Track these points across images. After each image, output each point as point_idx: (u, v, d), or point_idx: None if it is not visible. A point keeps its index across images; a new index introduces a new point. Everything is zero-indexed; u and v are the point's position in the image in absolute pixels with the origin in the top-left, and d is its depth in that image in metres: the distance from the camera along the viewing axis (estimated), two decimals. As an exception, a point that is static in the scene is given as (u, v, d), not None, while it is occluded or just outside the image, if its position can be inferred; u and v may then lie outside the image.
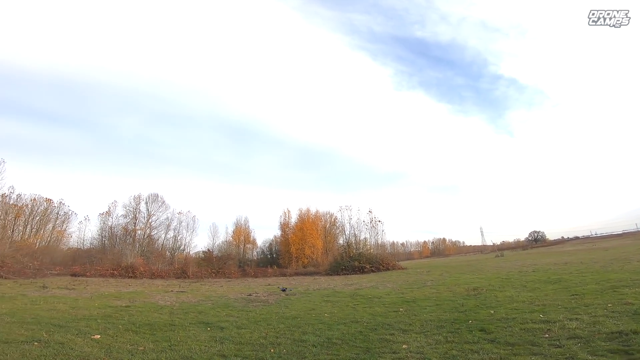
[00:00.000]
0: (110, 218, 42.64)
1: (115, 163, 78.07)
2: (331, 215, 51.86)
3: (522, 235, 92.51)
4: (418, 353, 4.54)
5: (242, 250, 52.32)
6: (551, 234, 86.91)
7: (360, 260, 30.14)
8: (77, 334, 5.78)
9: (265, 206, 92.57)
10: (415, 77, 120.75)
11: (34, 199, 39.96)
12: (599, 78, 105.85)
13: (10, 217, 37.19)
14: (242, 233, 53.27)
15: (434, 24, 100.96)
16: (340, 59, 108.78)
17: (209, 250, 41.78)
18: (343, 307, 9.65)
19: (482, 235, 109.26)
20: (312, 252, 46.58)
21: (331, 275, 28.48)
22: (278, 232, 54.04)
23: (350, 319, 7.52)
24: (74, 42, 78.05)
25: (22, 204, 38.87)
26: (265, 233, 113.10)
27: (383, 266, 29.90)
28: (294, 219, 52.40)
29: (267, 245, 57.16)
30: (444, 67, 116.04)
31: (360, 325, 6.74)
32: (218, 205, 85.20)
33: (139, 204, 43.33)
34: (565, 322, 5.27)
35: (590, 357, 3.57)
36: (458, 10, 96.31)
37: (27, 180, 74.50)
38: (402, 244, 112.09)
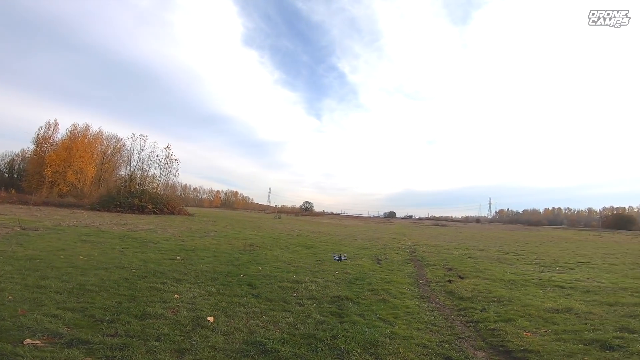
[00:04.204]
0: None
1: None
2: (118, 140, 43.20)
3: (298, 203, 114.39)
4: (190, 304, 4.57)
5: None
6: (317, 207, 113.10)
7: (141, 198, 26.96)
8: None
9: (26, 113, 65.68)
10: (270, 39, 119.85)
11: None
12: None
13: None
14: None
15: (317, 1, 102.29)
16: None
17: None
18: (107, 249, 8.42)
19: (270, 196, 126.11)
20: (77, 180, 37.27)
21: (99, 210, 24.11)
22: (30, 147, 39.96)
23: (114, 264, 6.67)
24: None
25: None
26: (7, 144, 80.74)
27: (168, 209, 28.19)
28: (61, 133, 39.98)
29: (5, 160, 41.43)
30: (300, 41, 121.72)
31: (127, 272, 6.11)
32: None
33: None
34: (309, 284, 6.53)
35: (319, 317, 4.60)
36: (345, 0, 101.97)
37: None
38: (195, 189, 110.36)
